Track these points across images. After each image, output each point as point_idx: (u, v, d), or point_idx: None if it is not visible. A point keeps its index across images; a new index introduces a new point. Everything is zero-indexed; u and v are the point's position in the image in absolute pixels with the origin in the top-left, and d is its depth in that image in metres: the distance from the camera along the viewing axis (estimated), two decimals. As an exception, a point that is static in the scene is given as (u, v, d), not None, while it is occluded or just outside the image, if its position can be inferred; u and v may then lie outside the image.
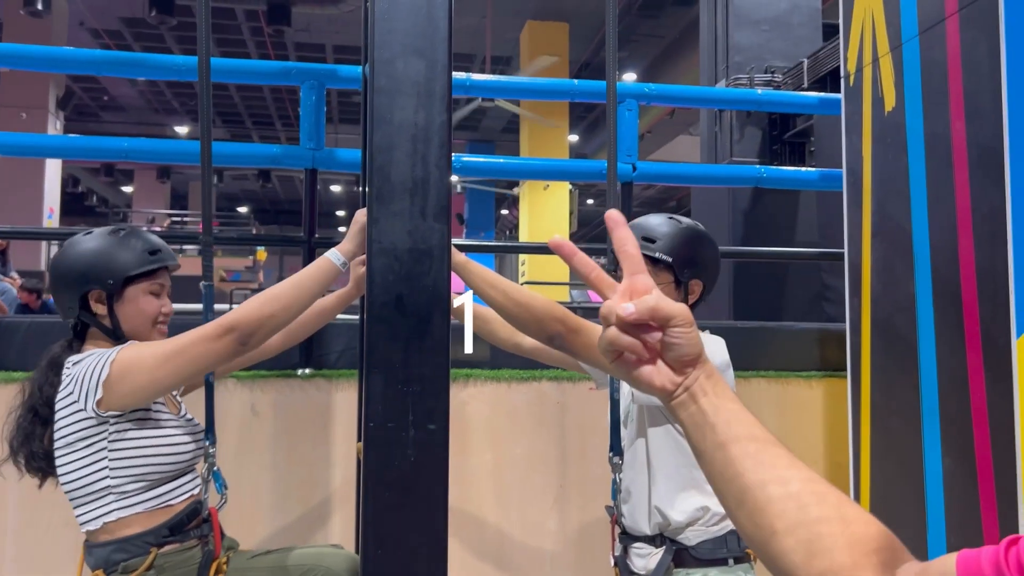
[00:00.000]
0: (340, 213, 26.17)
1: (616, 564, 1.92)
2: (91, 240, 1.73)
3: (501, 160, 3.20)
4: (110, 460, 1.60)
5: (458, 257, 1.63)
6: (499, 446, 2.69)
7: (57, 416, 1.63)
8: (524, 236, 14.89)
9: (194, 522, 1.70)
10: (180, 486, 1.70)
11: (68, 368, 1.64)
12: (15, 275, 8.39)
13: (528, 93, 2.99)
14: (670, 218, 1.90)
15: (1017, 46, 1.97)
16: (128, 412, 1.62)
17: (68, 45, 13.76)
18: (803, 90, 6.34)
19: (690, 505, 1.81)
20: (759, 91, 3.64)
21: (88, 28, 14.43)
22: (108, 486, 1.61)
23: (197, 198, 20.40)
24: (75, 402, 1.59)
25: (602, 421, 2.10)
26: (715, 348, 1.89)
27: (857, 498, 2.52)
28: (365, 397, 1.11)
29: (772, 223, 6.45)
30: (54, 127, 13.22)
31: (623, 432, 1.95)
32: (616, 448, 1.93)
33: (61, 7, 12.43)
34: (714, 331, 2.98)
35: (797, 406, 2.90)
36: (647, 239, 1.83)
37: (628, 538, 1.90)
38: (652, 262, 1.82)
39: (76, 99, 17.30)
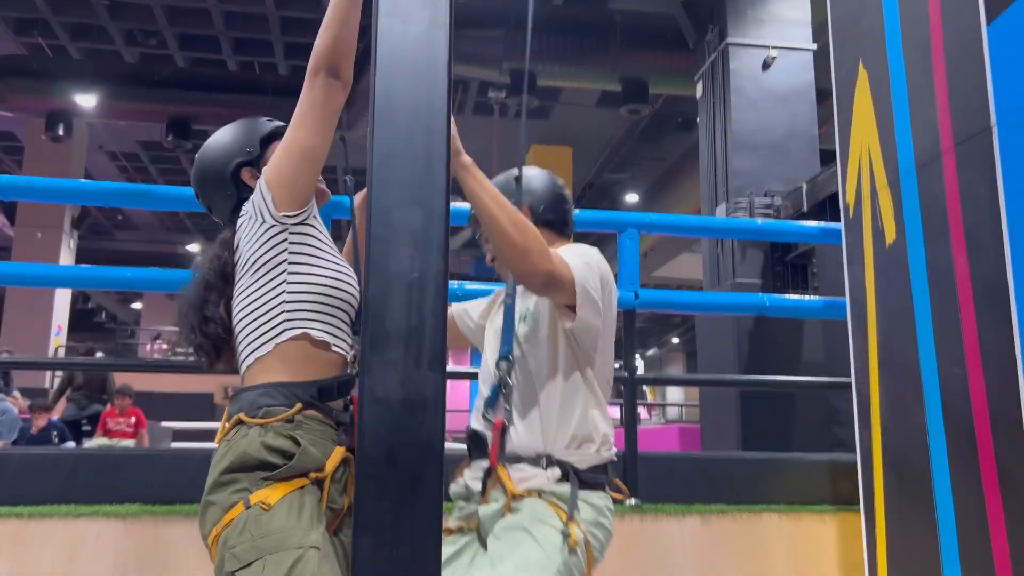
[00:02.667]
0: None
1: (490, 473, 1.80)
2: (215, 138, 1.87)
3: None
4: (288, 271, 1.67)
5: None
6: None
7: (240, 255, 1.71)
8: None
9: (340, 400, 1.69)
10: (341, 340, 1.71)
11: (238, 223, 1.74)
12: (17, 394, 8.34)
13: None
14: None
15: (1014, 182, 1.99)
16: (305, 216, 1.70)
17: (87, 168, 14.19)
18: (803, 214, 6.44)
19: (582, 429, 1.79)
20: (759, 220, 3.68)
21: (106, 151, 14.88)
22: (283, 302, 1.65)
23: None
24: (254, 222, 1.69)
25: None
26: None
27: (878, 645, 2.39)
28: (353, 559, 1.06)
29: (777, 343, 6.43)
30: (68, 246, 13.44)
31: (516, 347, 1.89)
32: (505, 353, 1.88)
33: (81, 131, 12.86)
34: (723, 462, 2.91)
35: (810, 542, 2.79)
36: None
37: (508, 458, 1.80)
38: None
39: (91, 219, 17.67)
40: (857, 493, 2.54)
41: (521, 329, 1.90)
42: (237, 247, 1.73)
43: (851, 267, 2.63)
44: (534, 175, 2.03)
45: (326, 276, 1.70)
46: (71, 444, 7.49)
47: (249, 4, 10.63)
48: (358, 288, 1.75)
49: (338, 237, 1.82)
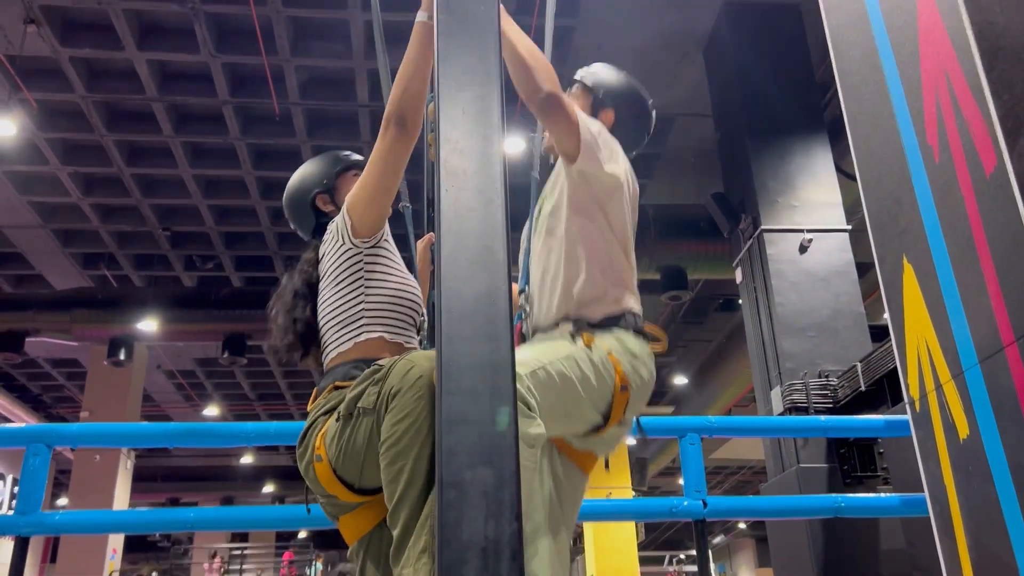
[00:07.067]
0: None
1: None
2: (301, 172, 2.22)
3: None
4: (366, 285, 1.97)
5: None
6: None
7: (323, 267, 2.04)
8: (589, 541, 14.57)
9: None
10: (409, 338, 2.01)
11: (325, 238, 2.08)
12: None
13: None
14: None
15: (1085, 374, 1.94)
16: (377, 240, 2.00)
17: (145, 387, 14.57)
18: (860, 392, 6.30)
19: (597, 289, 1.99)
20: (822, 418, 3.59)
21: (164, 370, 15.32)
22: (363, 310, 1.96)
23: (257, 534, 20.29)
24: (336, 242, 2.00)
25: None
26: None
27: None
28: None
29: (852, 529, 6.10)
30: (125, 467, 13.55)
31: (540, 223, 2.12)
32: (521, 287, 2.15)
33: (141, 355, 13.30)
34: None
35: None
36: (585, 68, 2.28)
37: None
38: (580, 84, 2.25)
39: (147, 436, 17.90)
40: None
41: (540, 224, 2.12)
42: (322, 259, 2.05)
43: (926, 463, 2.53)
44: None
45: (397, 287, 2.01)
46: None
47: (300, 224, 11.22)
48: (421, 296, 2.09)
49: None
